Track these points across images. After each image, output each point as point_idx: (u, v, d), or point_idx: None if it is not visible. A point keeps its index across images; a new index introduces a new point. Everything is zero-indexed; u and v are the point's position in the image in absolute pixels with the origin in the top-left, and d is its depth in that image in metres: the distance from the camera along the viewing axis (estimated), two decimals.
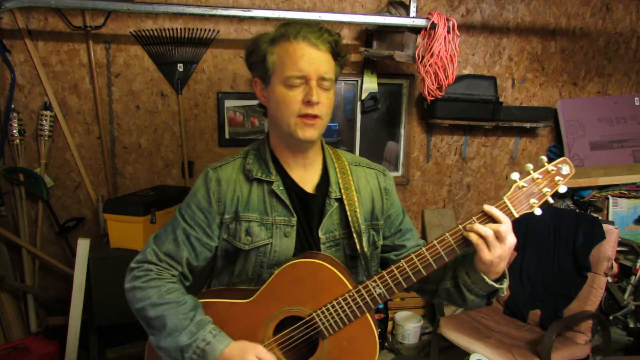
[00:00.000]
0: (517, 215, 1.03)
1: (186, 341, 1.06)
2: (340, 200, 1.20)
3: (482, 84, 2.94)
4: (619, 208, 2.94)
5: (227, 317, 1.14)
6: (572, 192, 2.99)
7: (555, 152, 3.27)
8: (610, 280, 2.73)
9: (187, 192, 2.72)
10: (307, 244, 1.19)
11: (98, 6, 2.15)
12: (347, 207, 1.18)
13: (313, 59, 1.08)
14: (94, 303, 2.14)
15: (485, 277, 1.06)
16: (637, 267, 2.76)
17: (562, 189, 1.04)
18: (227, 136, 2.80)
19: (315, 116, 1.10)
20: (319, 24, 1.13)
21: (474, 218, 1.04)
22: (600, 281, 2.27)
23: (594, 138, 3.18)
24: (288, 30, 1.09)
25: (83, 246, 2.19)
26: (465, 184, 3.24)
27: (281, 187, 1.17)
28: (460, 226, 1.05)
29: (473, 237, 1.01)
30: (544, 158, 1.04)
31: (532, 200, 1.03)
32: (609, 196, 2.94)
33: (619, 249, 2.72)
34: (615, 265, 2.35)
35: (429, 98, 2.61)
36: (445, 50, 2.42)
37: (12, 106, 2.47)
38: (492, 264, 1.03)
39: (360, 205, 1.21)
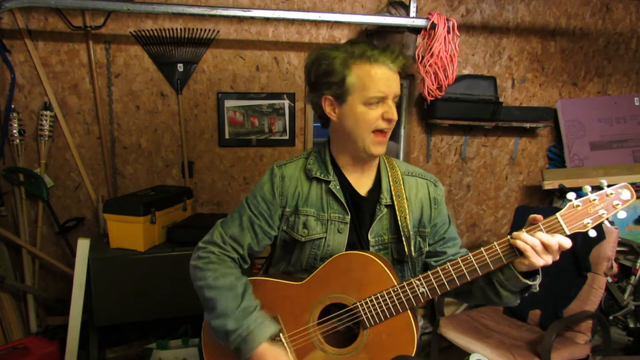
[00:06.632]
0: (568, 232, 1.05)
1: (232, 327, 1.16)
2: (390, 207, 1.28)
3: (482, 84, 2.94)
4: None
5: (279, 296, 1.24)
6: None
7: (555, 152, 3.27)
8: (610, 280, 2.73)
9: (187, 192, 2.73)
10: (358, 243, 1.27)
11: (98, 6, 2.15)
12: (398, 214, 1.26)
13: (391, 80, 1.19)
14: (94, 303, 2.14)
15: (518, 274, 1.10)
16: (637, 267, 2.75)
17: (621, 214, 1.05)
18: (227, 136, 2.80)
19: (387, 131, 1.22)
20: (390, 47, 1.21)
21: (523, 230, 1.07)
22: (600, 281, 2.27)
23: (593, 138, 3.18)
24: (365, 52, 1.17)
25: (83, 246, 2.19)
26: (465, 184, 3.24)
27: (338, 187, 1.27)
28: (509, 236, 1.08)
29: (520, 244, 1.05)
30: (604, 181, 1.05)
31: (587, 221, 1.05)
32: None
33: (618, 249, 2.72)
34: (615, 265, 2.35)
35: (429, 98, 2.61)
36: (445, 51, 2.42)
37: (12, 106, 2.47)
38: (536, 266, 1.07)
39: (410, 212, 1.28)
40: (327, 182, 1.27)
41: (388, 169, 1.32)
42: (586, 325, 2.23)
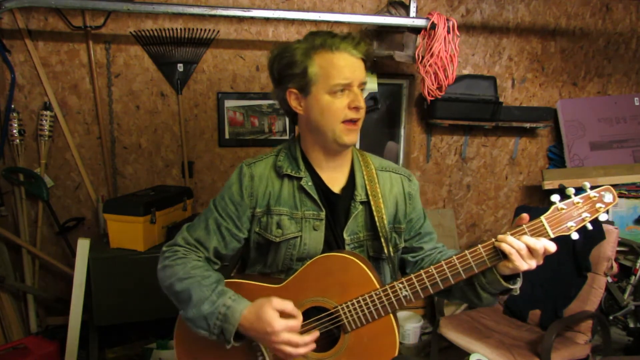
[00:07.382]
0: (552, 236, 1.05)
1: (209, 309, 1.11)
2: (365, 204, 1.25)
3: (482, 84, 2.94)
4: (619, 208, 2.94)
5: (257, 299, 1.16)
6: None
7: (555, 152, 3.27)
8: (610, 280, 2.73)
9: (187, 192, 2.72)
10: (334, 241, 1.24)
11: (98, 6, 2.15)
12: (375, 213, 1.23)
13: (355, 67, 1.17)
14: (94, 303, 2.14)
15: (500, 278, 1.09)
16: (637, 267, 2.75)
17: (603, 216, 1.04)
18: (227, 136, 2.80)
19: (357, 120, 1.19)
20: (351, 34, 1.20)
21: (508, 233, 1.05)
22: (600, 281, 2.27)
23: (593, 138, 3.18)
24: (326, 41, 1.15)
25: (83, 246, 2.19)
26: (465, 184, 3.24)
27: (310, 183, 1.23)
28: (493, 239, 1.06)
29: (506, 247, 1.03)
30: (587, 184, 1.04)
31: (570, 224, 1.04)
32: None
33: (618, 249, 2.72)
34: (615, 265, 2.35)
35: (429, 98, 2.61)
36: (445, 50, 2.42)
37: (12, 106, 2.47)
38: (519, 270, 1.05)
39: (385, 208, 1.25)
40: (299, 179, 1.23)
41: (362, 166, 1.29)
42: (586, 325, 2.23)
